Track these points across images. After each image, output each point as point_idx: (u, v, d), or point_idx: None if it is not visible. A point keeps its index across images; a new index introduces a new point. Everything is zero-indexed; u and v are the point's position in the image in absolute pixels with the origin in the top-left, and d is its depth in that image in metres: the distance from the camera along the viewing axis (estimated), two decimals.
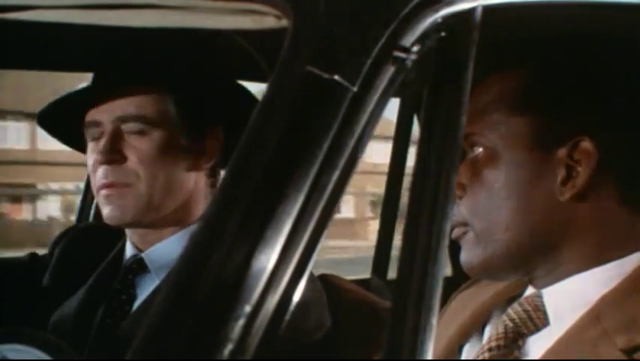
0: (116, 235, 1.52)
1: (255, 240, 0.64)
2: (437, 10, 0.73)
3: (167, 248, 1.38)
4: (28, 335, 0.90)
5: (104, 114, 1.34)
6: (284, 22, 0.72)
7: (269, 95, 0.69)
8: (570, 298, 0.97)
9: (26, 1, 0.90)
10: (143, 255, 1.40)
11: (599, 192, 0.97)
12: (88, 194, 2.13)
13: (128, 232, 1.44)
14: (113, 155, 1.32)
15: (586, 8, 0.87)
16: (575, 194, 0.96)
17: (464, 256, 1.02)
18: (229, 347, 0.62)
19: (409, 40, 0.72)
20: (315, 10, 0.71)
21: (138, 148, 1.33)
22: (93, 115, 1.35)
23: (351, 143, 0.68)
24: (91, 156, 1.37)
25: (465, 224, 1.01)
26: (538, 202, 0.98)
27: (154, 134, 1.34)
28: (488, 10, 0.76)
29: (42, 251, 1.70)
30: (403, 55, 0.71)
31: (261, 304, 0.63)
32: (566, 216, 0.97)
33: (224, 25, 0.88)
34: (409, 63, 0.71)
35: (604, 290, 0.96)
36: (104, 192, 1.34)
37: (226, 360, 0.62)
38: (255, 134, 0.68)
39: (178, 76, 1.38)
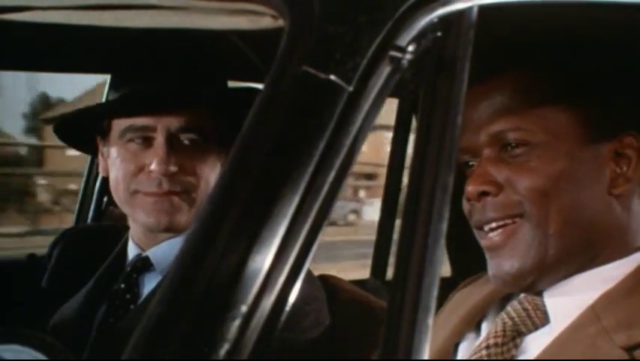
0: (114, 236, 1.52)
1: (251, 240, 0.64)
2: (433, 10, 0.73)
3: (172, 247, 1.38)
4: (24, 336, 0.90)
5: (160, 121, 1.33)
6: (280, 23, 0.72)
7: (265, 95, 0.69)
8: (571, 297, 0.97)
9: (25, 2, 0.90)
10: (148, 253, 1.40)
11: (634, 189, 0.99)
12: (86, 195, 2.13)
13: (133, 231, 1.44)
14: (173, 165, 1.33)
15: (585, 7, 0.87)
16: (627, 189, 0.97)
17: (510, 266, 0.97)
18: (225, 347, 0.62)
19: (404, 39, 0.72)
20: (311, 10, 0.71)
21: (194, 159, 1.34)
22: (144, 120, 1.34)
23: (347, 143, 0.68)
24: (130, 160, 1.36)
25: (515, 216, 0.97)
26: (595, 197, 0.97)
27: (205, 146, 1.36)
28: (487, 8, 0.76)
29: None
30: (398, 54, 0.71)
31: (257, 304, 0.63)
32: (613, 212, 0.98)
33: (221, 26, 0.88)
34: (404, 63, 0.71)
35: (604, 290, 0.96)
36: (152, 198, 1.34)
37: (222, 360, 0.62)
38: (251, 134, 0.68)
39: (220, 91, 1.41)
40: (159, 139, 1.33)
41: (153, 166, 1.32)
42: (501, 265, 0.98)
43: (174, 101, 1.35)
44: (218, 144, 1.38)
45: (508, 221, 0.98)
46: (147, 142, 1.34)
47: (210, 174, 1.37)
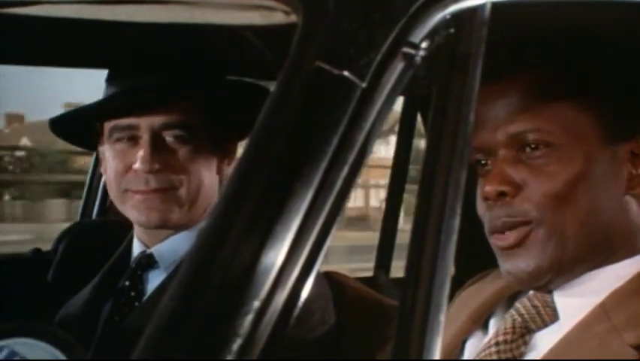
0: (120, 231, 1.53)
1: (264, 236, 0.64)
2: (446, 7, 0.73)
3: (176, 244, 1.39)
4: (37, 330, 0.90)
5: (143, 119, 1.35)
6: (293, 18, 0.72)
7: (278, 91, 0.69)
8: (581, 295, 0.97)
9: None
10: (152, 250, 1.41)
11: None
12: (91, 190, 2.12)
13: (136, 228, 1.44)
14: (157, 163, 1.34)
15: (602, 6, 0.87)
16: None
17: (527, 264, 0.97)
18: (238, 343, 0.62)
19: (418, 36, 0.71)
20: (325, 6, 0.71)
21: (180, 155, 1.35)
22: (127, 120, 1.36)
23: (360, 138, 0.68)
24: (119, 159, 1.37)
25: (528, 222, 0.97)
26: (613, 198, 0.97)
27: (193, 141, 1.36)
28: (501, 6, 0.76)
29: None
30: (412, 51, 0.71)
31: (270, 300, 0.63)
32: (629, 212, 0.98)
33: (233, 21, 0.88)
34: (417, 59, 0.71)
35: (614, 287, 0.96)
36: (141, 197, 1.36)
37: (234, 357, 0.62)
38: (264, 130, 0.68)
39: (210, 85, 1.41)
40: (144, 137, 1.34)
41: (137, 165, 1.34)
42: (517, 263, 0.97)
43: (153, 98, 1.36)
44: (210, 139, 1.39)
45: (524, 226, 0.97)
46: (134, 141, 1.36)
47: (200, 169, 1.37)
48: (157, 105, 1.35)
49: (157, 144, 1.34)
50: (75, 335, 1.29)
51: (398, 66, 0.70)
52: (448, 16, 0.73)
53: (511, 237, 0.97)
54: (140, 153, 1.34)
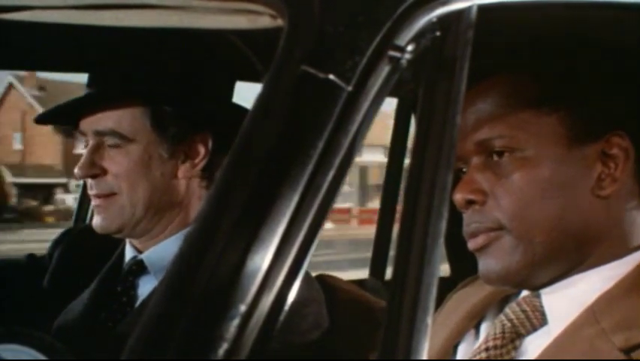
0: (113, 237, 1.52)
1: (250, 239, 0.64)
2: (432, 10, 0.73)
3: (166, 249, 1.39)
4: (23, 335, 0.90)
5: (87, 126, 1.38)
6: (279, 22, 0.72)
7: (264, 94, 0.69)
8: (569, 298, 0.97)
9: (23, 1, 0.90)
10: (142, 256, 1.41)
11: (626, 188, 0.97)
12: (85, 196, 2.13)
13: None
14: (92, 169, 1.36)
15: (584, 9, 0.87)
16: (616, 189, 0.96)
17: (495, 265, 0.98)
18: (224, 347, 0.62)
19: (404, 39, 0.72)
20: (310, 9, 0.71)
21: (116, 161, 1.36)
22: (81, 125, 1.39)
23: (346, 142, 0.68)
24: None
25: (496, 229, 0.97)
26: (582, 200, 0.96)
27: (130, 148, 1.36)
28: (484, 10, 0.76)
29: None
30: (397, 54, 0.71)
31: (256, 303, 0.63)
32: (603, 213, 0.96)
33: (220, 25, 0.88)
34: (403, 62, 0.71)
35: (602, 290, 0.96)
36: (93, 201, 1.39)
37: (221, 360, 0.62)
38: (249, 133, 0.68)
39: (155, 89, 1.39)
40: (89, 143, 1.37)
41: (76, 170, 1.37)
42: (487, 263, 0.99)
43: (84, 105, 1.38)
44: (160, 143, 1.37)
45: (492, 233, 0.98)
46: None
47: (147, 174, 1.36)
48: (89, 112, 1.36)
49: (97, 150, 1.36)
50: (74, 340, 1.30)
51: (384, 69, 0.70)
52: (434, 19, 0.73)
53: (479, 240, 0.98)
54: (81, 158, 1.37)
